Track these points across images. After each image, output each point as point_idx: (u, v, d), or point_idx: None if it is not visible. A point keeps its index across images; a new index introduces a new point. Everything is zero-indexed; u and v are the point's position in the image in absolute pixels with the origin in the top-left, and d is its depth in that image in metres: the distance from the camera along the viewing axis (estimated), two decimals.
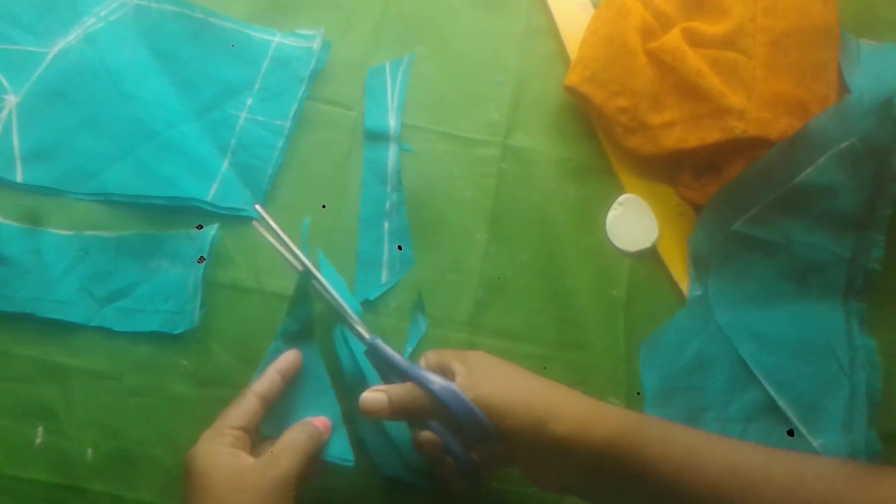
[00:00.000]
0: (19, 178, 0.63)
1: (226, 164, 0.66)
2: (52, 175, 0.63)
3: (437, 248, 0.66)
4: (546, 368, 0.63)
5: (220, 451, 0.48)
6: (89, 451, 0.57)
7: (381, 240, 0.66)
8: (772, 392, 0.64)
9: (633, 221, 0.69)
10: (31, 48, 0.66)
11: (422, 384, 0.51)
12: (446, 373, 0.52)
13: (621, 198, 0.70)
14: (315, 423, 0.53)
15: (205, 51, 0.68)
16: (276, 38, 0.70)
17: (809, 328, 0.63)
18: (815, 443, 0.63)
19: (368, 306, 0.63)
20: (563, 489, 0.51)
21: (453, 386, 0.50)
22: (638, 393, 0.63)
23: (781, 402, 0.63)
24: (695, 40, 0.68)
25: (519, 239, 0.68)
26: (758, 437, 0.62)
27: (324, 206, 0.66)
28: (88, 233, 0.62)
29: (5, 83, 0.65)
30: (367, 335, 0.55)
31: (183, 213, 0.64)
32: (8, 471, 0.56)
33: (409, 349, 0.62)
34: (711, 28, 0.68)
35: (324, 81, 0.71)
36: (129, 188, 0.63)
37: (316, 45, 0.70)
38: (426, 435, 0.54)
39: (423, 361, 0.55)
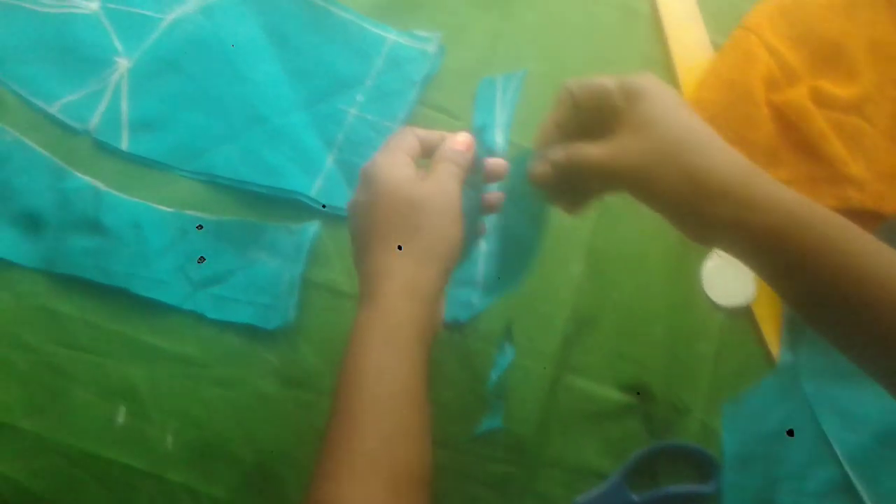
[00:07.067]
0: (125, 145, 0.62)
1: (330, 159, 0.64)
2: (158, 147, 0.62)
3: (531, 275, 0.65)
4: (623, 417, 0.63)
5: (400, 164, 0.49)
6: (169, 438, 0.56)
7: (475, 260, 0.65)
8: (850, 472, 0.63)
9: (730, 275, 0.68)
10: (147, 12, 0.65)
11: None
12: (601, 95, 0.47)
13: None
14: (455, 147, 0.51)
15: (320, 39, 0.67)
16: (392, 36, 0.68)
17: None
18: None
19: (458, 327, 0.62)
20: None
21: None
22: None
23: (858, 485, 0.62)
24: (821, 100, 0.66)
25: (614, 276, 0.66)
26: None
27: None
28: (189, 212, 0.61)
29: (118, 45, 0.64)
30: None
31: (284, 204, 0.62)
32: (88, 447, 0.55)
33: (494, 378, 0.61)
34: (839, 90, 0.67)
35: (434, 87, 0.69)
36: (234, 172, 0.62)
37: (432, 48, 0.69)
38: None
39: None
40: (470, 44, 0.71)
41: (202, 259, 0.58)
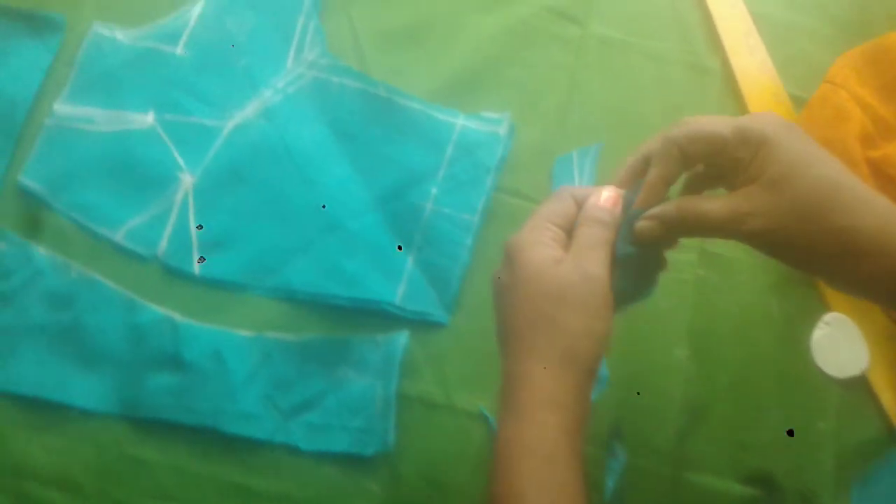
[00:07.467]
0: (197, 269, 0.58)
1: (410, 261, 0.60)
2: (231, 267, 0.58)
3: (633, 365, 0.61)
4: None
5: (542, 243, 0.44)
6: None
7: None
8: None
9: (841, 344, 0.64)
10: (206, 121, 0.61)
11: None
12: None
13: (827, 317, 0.64)
14: (600, 204, 0.46)
15: (387, 132, 0.63)
16: (460, 121, 0.65)
17: None
18: None
19: None
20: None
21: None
22: None
23: None
24: None
25: (720, 357, 0.62)
26: None
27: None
28: (270, 334, 0.57)
29: (180, 160, 0.60)
30: None
31: (368, 314, 0.58)
32: None
33: (610, 484, 0.57)
34: None
35: (507, 169, 0.65)
36: (312, 285, 0.58)
37: (503, 130, 0.65)
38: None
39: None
40: (540, 118, 0.67)
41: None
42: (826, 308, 0.65)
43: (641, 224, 0.45)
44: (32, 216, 0.58)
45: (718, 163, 0.43)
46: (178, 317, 0.56)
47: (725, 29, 0.70)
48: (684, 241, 0.63)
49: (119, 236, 0.57)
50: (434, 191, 0.62)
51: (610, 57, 0.69)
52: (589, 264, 0.43)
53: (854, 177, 0.41)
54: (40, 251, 0.56)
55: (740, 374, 0.62)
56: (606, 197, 0.46)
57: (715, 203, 0.43)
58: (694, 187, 0.48)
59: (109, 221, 0.58)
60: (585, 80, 0.69)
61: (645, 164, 0.47)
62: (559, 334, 0.42)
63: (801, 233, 0.41)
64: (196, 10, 0.63)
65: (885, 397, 0.63)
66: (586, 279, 0.43)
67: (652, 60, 0.70)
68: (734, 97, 0.70)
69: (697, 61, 0.70)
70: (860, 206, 0.40)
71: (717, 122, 0.43)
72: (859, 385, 0.63)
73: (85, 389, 0.54)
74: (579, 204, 0.47)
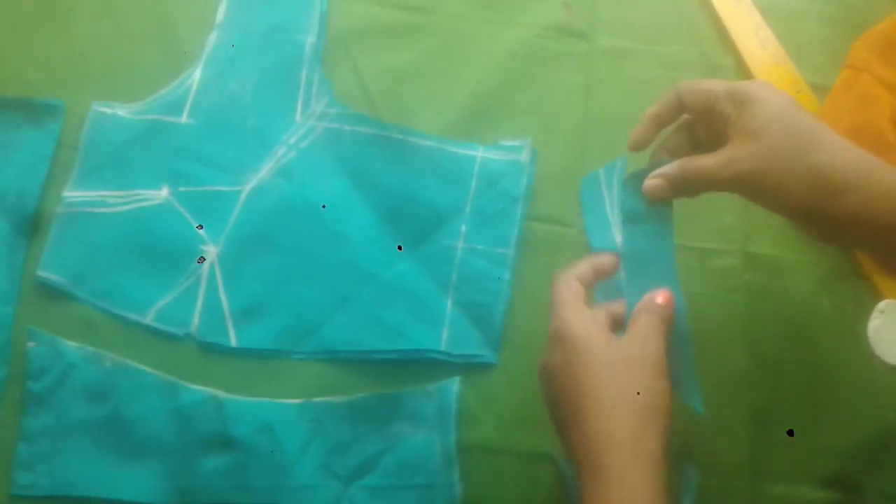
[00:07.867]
0: (233, 341, 0.56)
1: (449, 303, 0.58)
2: (268, 334, 0.56)
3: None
4: None
5: (590, 322, 0.46)
6: None
7: None
8: None
9: None
10: (222, 188, 0.59)
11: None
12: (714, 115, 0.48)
13: (881, 305, 0.62)
14: (658, 302, 0.48)
15: (408, 174, 0.61)
16: (480, 153, 0.63)
17: None
18: None
19: None
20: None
21: None
22: None
23: None
24: None
25: (779, 361, 0.60)
26: None
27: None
28: (318, 399, 0.55)
29: (201, 232, 0.58)
30: None
31: (413, 365, 0.56)
32: None
33: None
34: None
35: (535, 196, 0.64)
36: (353, 342, 0.56)
37: (524, 156, 0.63)
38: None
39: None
40: (560, 140, 0.66)
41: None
42: (879, 296, 0.63)
43: (649, 182, 0.50)
44: (57, 310, 0.56)
45: (710, 119, 0.48)
46: (221, 394, 0.54)
47: (734, 25, 0.69)
48: (728, 246, 0.61)
49: (149, 318, 0.55)
50: (463, 228, 0.60)
51: (621, 68, 0.68)
52: (648, 341, 0.45)
53: (827, 126, 0.45)
54: (71, 345, 0.54)
55: (802, 375, 0.60)
56: (664, 298, 0.48)
57: (710, 157, 0.47)
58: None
59: (137, 304, 0.56)
60: (600, 94, 0.67)
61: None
62: (635, 394, 0.43)
63: (781, 173, 0.44)
64: (196, 76, 0.62)
65: None
66: (647, 346, 0.45)
67: (664, 66, 0.68)
68: None
69: (710, 61, 0.69)
70: (832, 145, 0.44)
71: (712, 82, 0.48)
72: None
73: (136, 483, 0.52)
74: (584, 281, 0.50)
